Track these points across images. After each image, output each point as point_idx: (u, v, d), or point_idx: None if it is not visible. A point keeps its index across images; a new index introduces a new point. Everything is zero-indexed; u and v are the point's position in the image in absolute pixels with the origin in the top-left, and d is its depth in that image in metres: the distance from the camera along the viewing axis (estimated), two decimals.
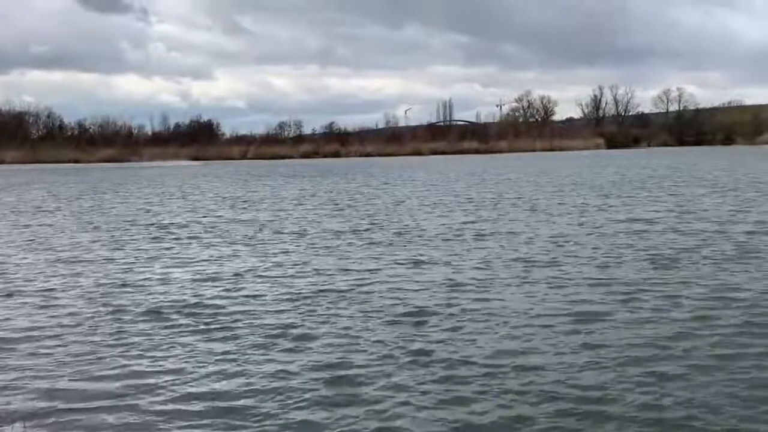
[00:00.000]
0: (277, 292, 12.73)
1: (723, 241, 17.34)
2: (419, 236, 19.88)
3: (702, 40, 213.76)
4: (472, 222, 23.10)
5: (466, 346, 9.22)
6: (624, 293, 11.96)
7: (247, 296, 12.46)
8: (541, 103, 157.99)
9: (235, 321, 10.77)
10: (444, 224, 22.58)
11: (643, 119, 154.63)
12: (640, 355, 8.65)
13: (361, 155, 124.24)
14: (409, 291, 12.58)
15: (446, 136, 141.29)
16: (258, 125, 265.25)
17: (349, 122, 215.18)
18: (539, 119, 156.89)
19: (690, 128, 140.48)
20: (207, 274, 14.72)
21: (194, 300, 12.20)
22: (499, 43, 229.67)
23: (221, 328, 10.37)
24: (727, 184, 36.90)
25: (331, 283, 13.39)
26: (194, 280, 14.01)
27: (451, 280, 13.46)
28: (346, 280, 13.71)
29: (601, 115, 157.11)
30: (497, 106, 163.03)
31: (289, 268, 15.24)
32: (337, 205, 30.91)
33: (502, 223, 22.72)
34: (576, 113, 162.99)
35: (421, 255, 16.47)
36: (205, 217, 26.79)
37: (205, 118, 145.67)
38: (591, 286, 12.61)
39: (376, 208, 29.08)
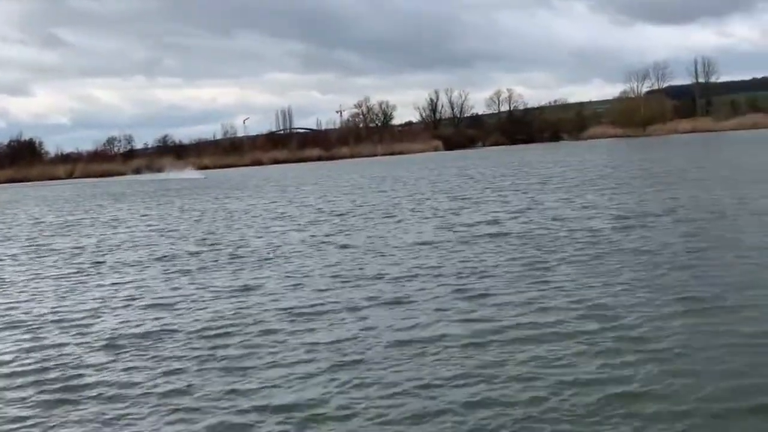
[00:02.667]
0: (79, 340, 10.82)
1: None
2: (249, 256, 18.35)
3: (527, 43, 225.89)
4: (328, 234, 21.86)
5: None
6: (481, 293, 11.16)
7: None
8: (380, 108, 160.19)
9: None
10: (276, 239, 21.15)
11: (477, 120, 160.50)
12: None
13: (199, 168, 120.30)
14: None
15: (287, 144, 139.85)
16: (85, 141, 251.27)
17: (184, 135, 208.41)
18: (379, 124, 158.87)
19: (521, 127, 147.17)
20: None
21: None
22: (337, 50, 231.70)
23: None
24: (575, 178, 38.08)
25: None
26: None
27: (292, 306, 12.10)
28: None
29: (438, 118, 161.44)
30: (337, 112, 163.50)
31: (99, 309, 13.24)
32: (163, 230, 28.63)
33: (355, 234, 21.65)
34: (414, 117, 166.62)
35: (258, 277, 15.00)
36: None
37: (25, 136, 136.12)
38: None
39: (208, 227, 27.16)
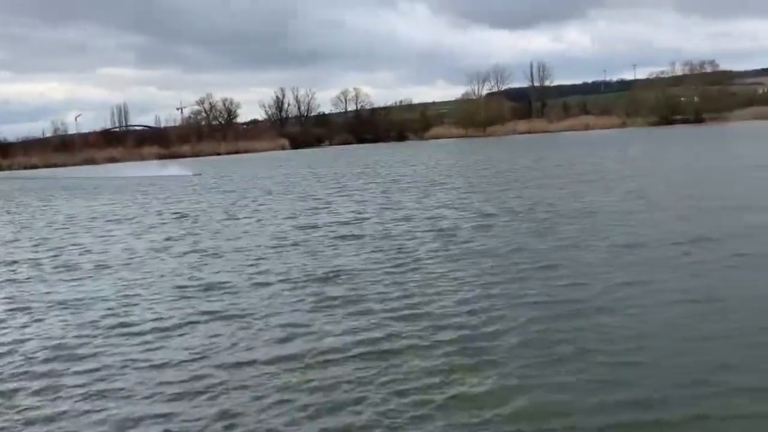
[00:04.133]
0: None
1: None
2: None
3: (373, 43, 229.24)
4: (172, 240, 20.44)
5: None
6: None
7: None
8: (224, 105, 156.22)
9: None
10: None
11: (324, 119, 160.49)
12: None
13: (26, 167, 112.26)
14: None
15: (123, 142, 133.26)
16: None
17: (9, 132, 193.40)
18: (223, 122, 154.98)
19: (367, 126, 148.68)
20: None
21: None
22: (177, 44, 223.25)
23: None
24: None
25: None
26: None
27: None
28: None
29: (284, 116, 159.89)
30: (178, 109, 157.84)
31: None
32: None
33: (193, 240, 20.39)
34: (260, 115, 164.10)
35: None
36: None
37: None
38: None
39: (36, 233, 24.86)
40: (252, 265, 15.33)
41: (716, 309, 9.92)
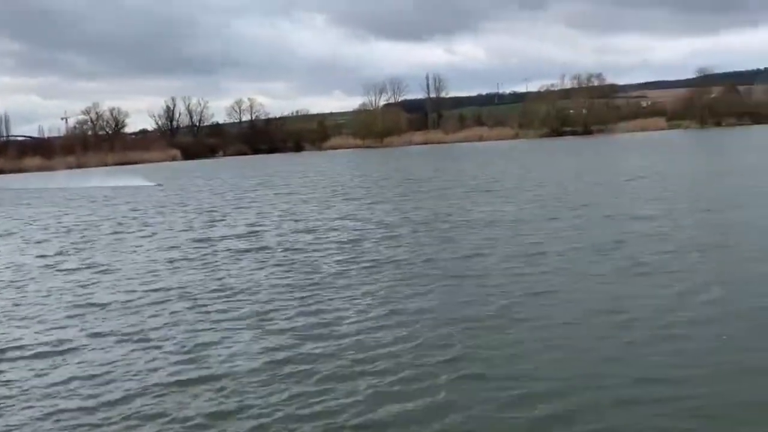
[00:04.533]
0: None
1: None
2: None
3: (269, 52, 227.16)
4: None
5: None
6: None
7: None
8: (112, 114, 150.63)
9: None
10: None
11: (218, 129, 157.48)
12: None
13: None
14: None
15: (4, 152, 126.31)
16: None
17: None
18: (110, 132, 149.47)
19: (263, 137, 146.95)
20: None
21: None
22: (61, 52, 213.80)
23: None
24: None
25: None
26: None
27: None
28: None
29: (175, 126, 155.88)
30: (62, 119, 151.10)
31: None
32: None
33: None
34: (150, 125, 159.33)
35: None
36: None
37: None
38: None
39: None
40: (148, 281, 14.73)
41: (622, 319, 10.23)
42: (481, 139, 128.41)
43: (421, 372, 8.43)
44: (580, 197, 26.05)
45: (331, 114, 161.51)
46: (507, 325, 10.12)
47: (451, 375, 8.26)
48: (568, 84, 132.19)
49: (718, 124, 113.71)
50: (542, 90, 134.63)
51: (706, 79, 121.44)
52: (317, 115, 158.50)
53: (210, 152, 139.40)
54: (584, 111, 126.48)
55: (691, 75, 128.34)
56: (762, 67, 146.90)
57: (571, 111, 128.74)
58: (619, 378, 7.96)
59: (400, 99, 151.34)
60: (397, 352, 9.22)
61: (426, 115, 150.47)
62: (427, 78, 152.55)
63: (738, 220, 18.28)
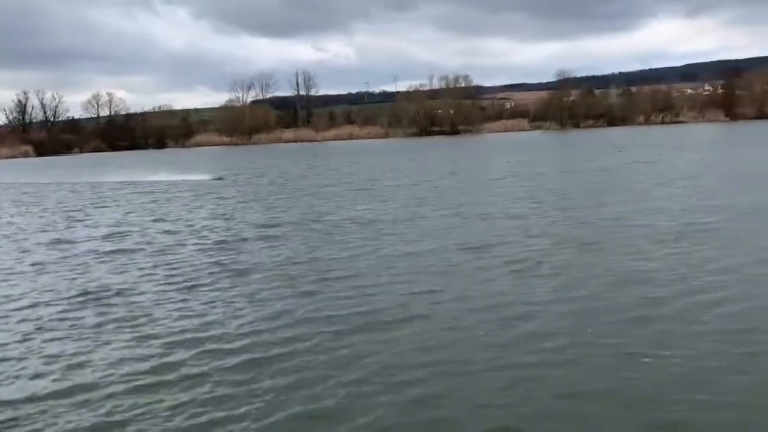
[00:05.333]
0: None
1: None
2: None
3: (128, 45, 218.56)
4: None
5: None
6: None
7: None
8: None
9: None
10: None
11: (74, 125, 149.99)
12: None
13: None
14: None
15: None
16: None
17: None
18: None
19: (123, 133, 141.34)
20: None
21: None
22: None
23: None
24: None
25: None
26: None
27: None
28: None
29: (28, 121, 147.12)
30: None
31: None
32: None
33: None
34: (0, 119, 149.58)
35: None
36: None
37: None
38: None
39: None
40: (6, 286, 13.80)
41: (505, 316, 10.57)
42: (351, 137, 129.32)
43: (302, 377, 8.35)
44: (455, 196, 26.71)
45: (197, 110, 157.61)
46: (383, 326, 10.20)
47: (328, 383, 8.19)
48: (436, 85, 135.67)
49: (577, 125, 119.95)
50: (411, 90, 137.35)
51: (565, 83, 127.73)
52: (181, 111, 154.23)
53: (65, 149, 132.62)
54: (452, 111, 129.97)
55: (551, 78, 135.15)
56: (617, 72, 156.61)
57: (439, 111, 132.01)
58: (497, 382, 8.22)
59: (269, 96, 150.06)
60: (273, 356, 9.10)
61: (296, 113, 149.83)
62: (297, 75, 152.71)
63: (604, 217, 19.32)
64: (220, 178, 42.00)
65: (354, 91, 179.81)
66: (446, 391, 7.78)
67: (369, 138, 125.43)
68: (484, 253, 15.10)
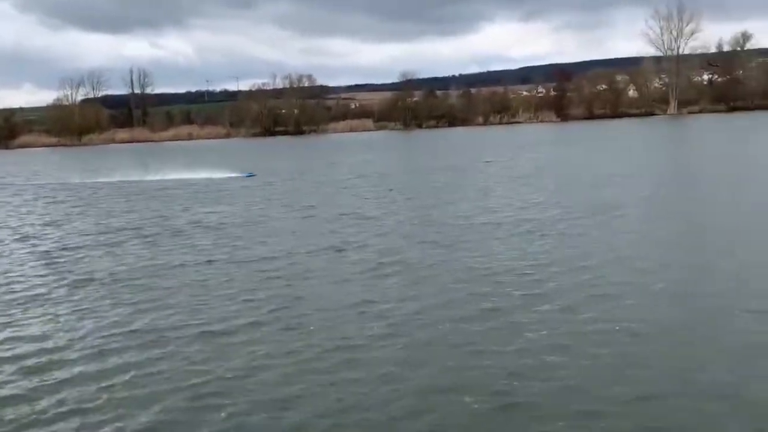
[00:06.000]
0: None
1: None
2: None
3: None
4: None
5: None
6: None
7: None
8: None
9: None
10: None
11: None
12: None
13: None
14: None
15: None
16: None
17: None
18: None
19: None
20: None
21: None
22: None
23: None
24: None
25: None
26: None
27: None
28: None
29: None
30: None
31: None
32: None
33: None
34: None
35: None
36: None
37: None
38: None
39: None
40: None
41: (358, 316, 10.72)
42: (191, 137, 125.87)
43: (136, 393, 8.10)
44: (307, 197, 26.69)
45: (21, 109, 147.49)
46: (222, 335, 10.10)
47: (177, 396, 8.01)
48: (279, 84, 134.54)
49: (420, 125, 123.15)
50: (254, 89, 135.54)
51: (408, 84, 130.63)
52: (4, 110, 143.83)
53: None
54: (296, 111, 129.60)
55: (395, 79, 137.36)
56: (457, 74, 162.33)
57: (283, 111, 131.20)
58: (351, 384, 8.35)
59: (101, 94, 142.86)
60: (110, 370, 8.83)
61: (130, 112, 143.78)
62: (131, 72, 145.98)
63: (451, 215, 20.00)
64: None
65: (193, 90, 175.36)
66: (298, 396, 7.83)
67: (210, 138, 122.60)
68: (335, 254, 15.23)
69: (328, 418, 7.21)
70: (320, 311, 10.91)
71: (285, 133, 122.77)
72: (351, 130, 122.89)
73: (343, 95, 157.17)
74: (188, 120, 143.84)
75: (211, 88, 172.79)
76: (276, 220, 20.71)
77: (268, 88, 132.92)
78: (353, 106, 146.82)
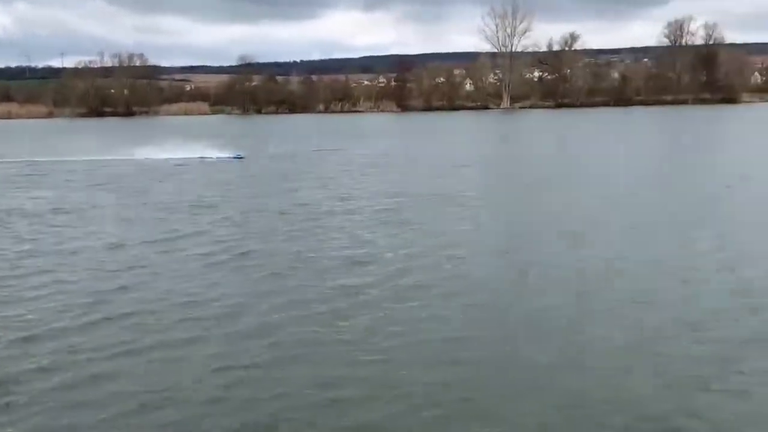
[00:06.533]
0: None
1: None
2: None
3: None
4: None
5: None
6: None
7: None
8: None
9: None
10: None
11: None
12: None
13: None
14: None
15: None
16: None
17: None
18: None
19: None
20: None
21: None
22: None
23: None
24: None
25: None
26: None
27: None
28: None
29: None
30: None
31: None
32: None
33: None
34: None
35: None
36: None
37: None
38: None
39: None
40: None
41: (202, 313, 10.20)
42: (10, 116, 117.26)
43: None
44: (136, 182, 25.42)
45: None
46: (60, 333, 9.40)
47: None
48: (108, 62, 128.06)
49: (259, 111, 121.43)
50: (80, 66, 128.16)
51: (247, 67, 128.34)
52: None
53: None
54: (126, 91, 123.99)
55: (234, 62, 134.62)
56: (299, 60, 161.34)
57: (112, 91, 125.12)
58: (216, 387, 7.92)
59: None
60: None
61: None
62: None
63: (296, 203, 19.67)
64: None
65: (13, 65, 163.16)
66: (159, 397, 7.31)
67: (31, 117, 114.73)
68: (172, 245, 14.51)
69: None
70: (142, 303, 10.35)
71: (114, 114, 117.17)
72: (185, 114, 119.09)
73: (177, 77, 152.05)
74: (7, 98, 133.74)
75: (32, 65, 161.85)
76: (101, 208, 19.50)
77: (95, 66, 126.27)
78: (188, 89, 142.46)
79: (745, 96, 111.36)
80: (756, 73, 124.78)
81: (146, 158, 34.15)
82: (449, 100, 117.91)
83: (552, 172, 26.97)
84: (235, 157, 34.56)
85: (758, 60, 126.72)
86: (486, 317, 9.77)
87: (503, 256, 13.42)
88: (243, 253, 13.63)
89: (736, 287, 10.75)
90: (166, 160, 33.55)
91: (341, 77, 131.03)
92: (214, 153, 35.62)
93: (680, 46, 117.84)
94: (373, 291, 10.90)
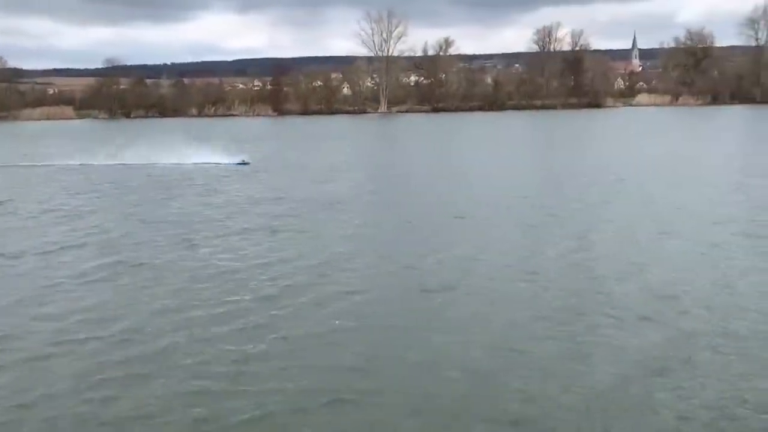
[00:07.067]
0: None
1: None
2: None
3: None
4: None
5: None
6: None
7: None
8: None
9: None
10: None
11: None
12: None
13: None
14: None
15: None
16: None
17: None
18: None
19: None
20: None
21: None
22: None
23: None
24: None
25: None
26: None
27: None
28: None
29: None
30: None
31: None
32: None
33: None
34: None
35: None
36: None
37: None
38: None
39: None
40: None
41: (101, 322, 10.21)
42: None
43: None
44: None
45: None
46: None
47: None
48: None
49: (128, 115, 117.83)
50: None
51: (115, 70, 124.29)
52: None
53: None
54: None
55: (100, 65, 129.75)
56: (169, 62, 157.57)
57: None
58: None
59: None
60: None
61: None
62: None
63: (170, 212, 19.61)
64: None
65: None
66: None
67: None
68: (41, 255, 14.32)
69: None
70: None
71: None
72: (48, 118, 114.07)
73: (39, 80, 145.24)
74: None
75: None
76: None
77: None
78: (51, 92, 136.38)
79: (609, 101, 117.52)
80: (619, 78, 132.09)
81: None
82: (327, 104, 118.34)
83: (428, 173, 27.90)
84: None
85: (621, 66, 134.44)
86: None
87: (381, 261, 14.05)
88: (141, 265, 13.64)
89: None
90: None
91: (215, 80, 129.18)
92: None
93: (548, 52, 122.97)
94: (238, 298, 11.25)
